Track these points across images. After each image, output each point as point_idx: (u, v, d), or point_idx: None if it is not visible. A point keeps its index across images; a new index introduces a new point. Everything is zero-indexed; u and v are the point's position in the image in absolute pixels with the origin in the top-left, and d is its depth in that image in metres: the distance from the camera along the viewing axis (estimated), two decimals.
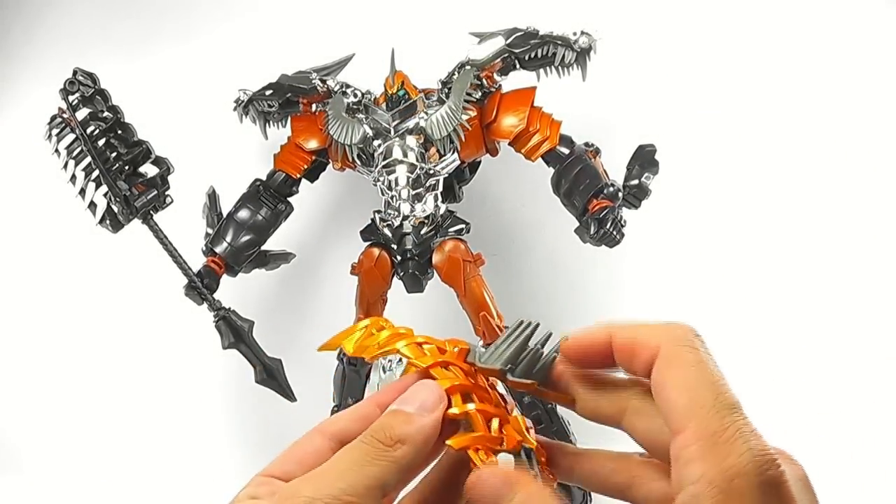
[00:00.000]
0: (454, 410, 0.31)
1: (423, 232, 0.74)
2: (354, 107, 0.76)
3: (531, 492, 0.28)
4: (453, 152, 0.75)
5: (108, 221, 0.71)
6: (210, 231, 0.79)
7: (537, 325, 0.33)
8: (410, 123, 0.74)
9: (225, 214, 0.79)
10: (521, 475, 0.29)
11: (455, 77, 0.75)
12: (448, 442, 0.30)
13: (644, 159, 0.72)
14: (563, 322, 0.33)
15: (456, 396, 0.31)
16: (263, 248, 0.80)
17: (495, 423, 0.31)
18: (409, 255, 0.75)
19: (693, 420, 0.26)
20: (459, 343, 0.34)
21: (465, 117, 0.73)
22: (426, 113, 0.74)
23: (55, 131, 0.69)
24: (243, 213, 0.79)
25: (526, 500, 0.27)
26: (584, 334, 0.32)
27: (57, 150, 0.70)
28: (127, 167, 0.70)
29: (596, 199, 0.71)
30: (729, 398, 0.26)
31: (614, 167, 0.74)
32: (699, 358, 0.28)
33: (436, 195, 0.75)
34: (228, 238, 0.77)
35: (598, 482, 0.32)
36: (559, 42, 0.73)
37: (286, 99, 0.80)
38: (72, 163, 0.69)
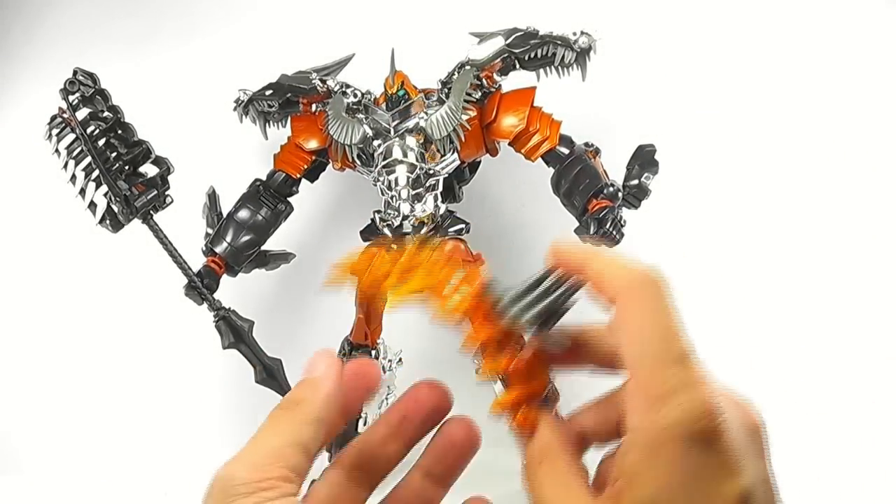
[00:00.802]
0: (489, 366, 0.31)
1: (422, 232, 0.74)
2: (354, 107, 0.76)
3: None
4: (453, 152, 0.75)
5: (108, 221, 0.71)
6: (210, 231, 0.79)
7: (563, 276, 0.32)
8: (410, 123, 0.74)
9: (225, 214, 0.79)
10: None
11: (455, 77, 0.75)
12: (491, 410, 0.30)
13: (644, 159, 0.72)
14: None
15: (490, 349, 0.31)
16: (263, 248, 0.80)
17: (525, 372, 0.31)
18: None
19: (639, 370, 0.27)
20: (476, 271, 0.33)
21: (464, 117, 0.73)
22: (426, 113, 0.74)
23: (55, 131, 0.69)
24: (243, 213, 0.79)
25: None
26: (567, 249, 0.32)
27: (57, 150, 0.70)
28: (127, 167, 0.70)
29: (596, 199, 0.71)
30: (678, 349, 0.26)
31: (614, 167, 0.74)
32: (655, 306, 0.28)
33: (436, 195, 0.75)
34: (228, 238, 0.77)
35: (603, 431, 0.32)
36: (559, 42, 0.73)
37: (286, 99, 0.80)
38: (72, 163, 0.69)
